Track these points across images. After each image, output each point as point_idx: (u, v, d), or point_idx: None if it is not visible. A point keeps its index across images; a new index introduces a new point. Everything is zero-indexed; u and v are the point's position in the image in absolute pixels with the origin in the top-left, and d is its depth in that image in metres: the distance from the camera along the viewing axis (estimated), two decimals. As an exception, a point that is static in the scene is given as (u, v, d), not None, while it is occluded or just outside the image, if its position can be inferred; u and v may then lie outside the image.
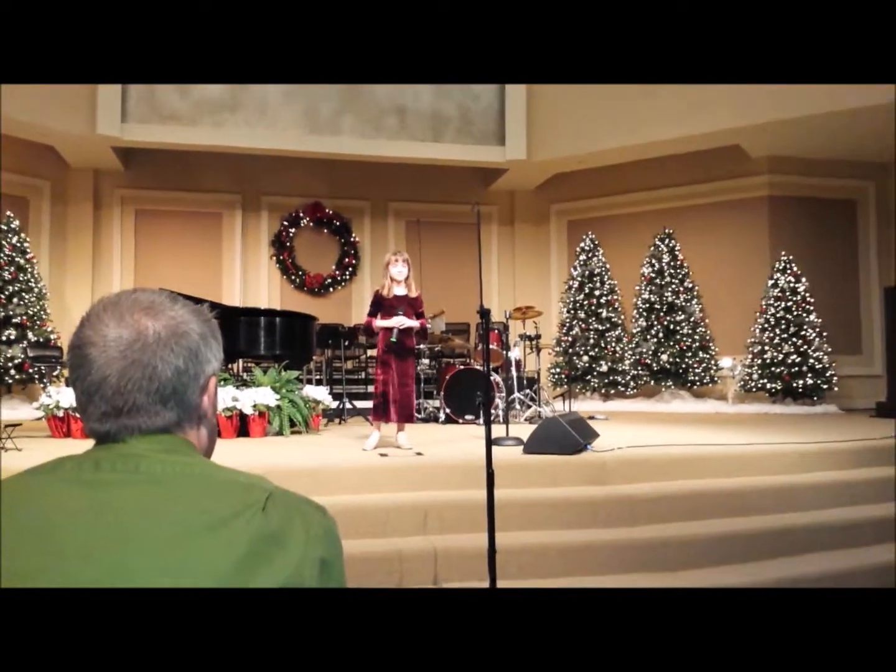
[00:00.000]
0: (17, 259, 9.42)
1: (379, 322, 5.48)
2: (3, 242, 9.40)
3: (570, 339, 10.98)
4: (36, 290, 9.52)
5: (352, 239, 12.14)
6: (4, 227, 9.49)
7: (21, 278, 9.39)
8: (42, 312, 9.47)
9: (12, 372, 9.08)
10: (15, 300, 9.27)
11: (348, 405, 8.28)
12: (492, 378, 7.72)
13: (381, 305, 5.51)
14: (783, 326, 9.89)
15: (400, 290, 5.50)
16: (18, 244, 9.52)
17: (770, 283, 10.16)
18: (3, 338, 9.10)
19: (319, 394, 7.12)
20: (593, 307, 10.98)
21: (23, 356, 9.00)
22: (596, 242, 11.31)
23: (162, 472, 0.85)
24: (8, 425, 5.11)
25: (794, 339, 9.80)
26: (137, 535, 0.78)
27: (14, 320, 9.19)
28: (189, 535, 0.79)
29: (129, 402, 0.87)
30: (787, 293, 9.98)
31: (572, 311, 11.10)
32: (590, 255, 11.24)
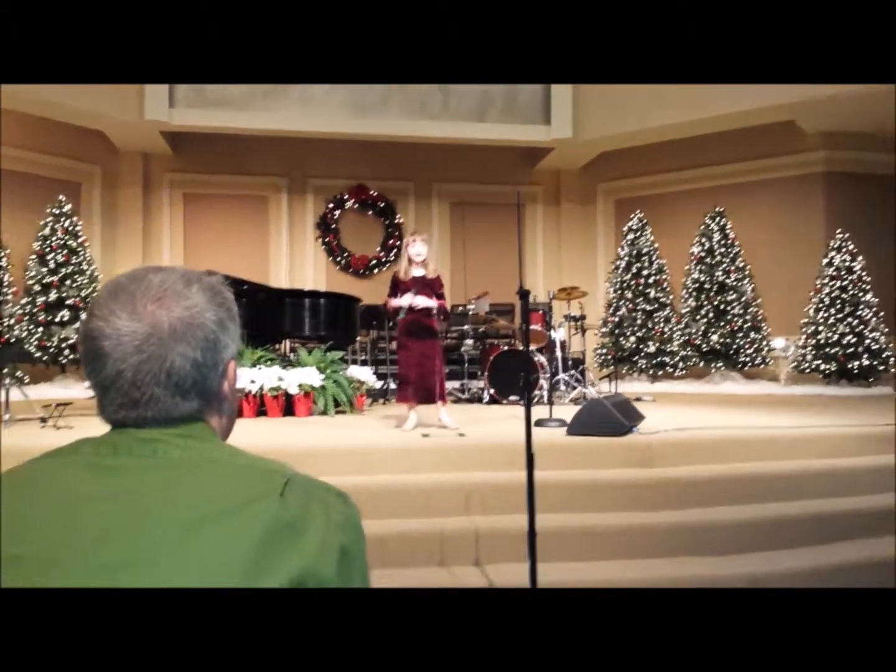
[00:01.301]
0: (69, 242, 9.64)
1: (394, 301, 5.39)
2: (56, 226, 9.62)
3: (616, 319, 10.83)
4: (88, 272, 9.74)
5: (396, 220, 12.13)
6: (57, 211, 9.70)
7: (73, 261, 9.61)
8: (94, 294, 9.67)
9: (66, 352, 9.35)
10: (68, 282, 9.50)
11: (392, 385, 8.30)
12: (536, 359, 7.65)
13: (399, 287, 5.41)
14: (838, 306, 9.61)
15: (418, 272, 5.38)
16: (70, 228, 9.73)
17: (825, 261, 9.87)
18: (57, 319, 9.34)
19: (364, 374, 7.16)
20: (641, 287, 10.80)
21: (76, 337, 9.23)
22: (644, 221, 11.10)
23: (180, 457, 0.84)
24: (59, 404, 5.22)
25: (850, 320, 9.52)
26: (152, 520, 0.77)
27: (67, 302, 9.42)
28: (204, 521, 0.77)
29: (147, 394, 0.85)
30: (843, 272, 9.69)
31: (619, 292, 10.94)
32: (637, 234, 11.04)
